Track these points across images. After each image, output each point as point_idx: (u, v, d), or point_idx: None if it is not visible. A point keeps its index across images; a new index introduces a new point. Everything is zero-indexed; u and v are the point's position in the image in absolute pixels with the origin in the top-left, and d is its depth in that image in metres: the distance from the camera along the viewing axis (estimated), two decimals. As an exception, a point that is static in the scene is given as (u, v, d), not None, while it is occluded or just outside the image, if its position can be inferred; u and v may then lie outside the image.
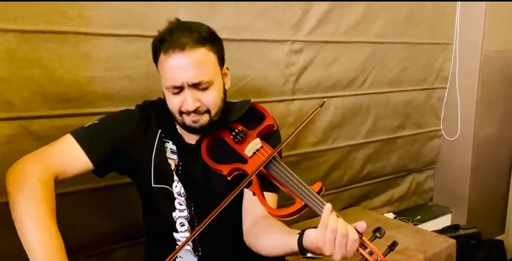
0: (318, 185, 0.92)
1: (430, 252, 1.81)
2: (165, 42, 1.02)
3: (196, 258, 1.18)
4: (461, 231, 2.39)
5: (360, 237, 0.86)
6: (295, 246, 0.92)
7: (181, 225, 1.16)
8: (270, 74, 1.79)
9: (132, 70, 1.42)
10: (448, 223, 2.62)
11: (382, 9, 2.12)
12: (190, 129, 1.08)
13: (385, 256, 0.85)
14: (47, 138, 1.27)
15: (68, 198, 1.35)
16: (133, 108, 1.19)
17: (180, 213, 1.15)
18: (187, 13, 1.51)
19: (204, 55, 1.02)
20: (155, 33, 1.42)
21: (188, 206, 1.14)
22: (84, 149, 1.04)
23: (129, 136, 1.10)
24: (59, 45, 1.27)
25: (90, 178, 1.37)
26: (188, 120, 1.06)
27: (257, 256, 1.18)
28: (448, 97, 2.58)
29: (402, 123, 2.42)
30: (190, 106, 1.02)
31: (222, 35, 1.13)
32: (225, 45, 1.13)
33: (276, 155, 1.00)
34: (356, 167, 2.26)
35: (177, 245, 1.17)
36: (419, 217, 2.48)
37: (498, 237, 2.72)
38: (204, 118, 1.06)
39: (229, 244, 1.18)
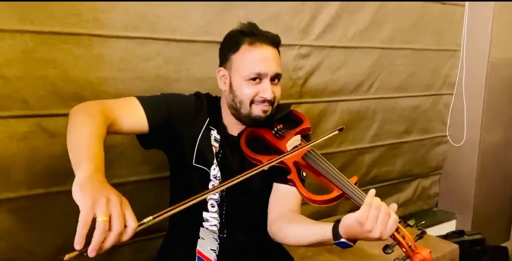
0: (354, 178, 1.01)
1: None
2: (251, 35, 1.14)
3: (217, 242, 1.23)
4: (466, 237, 2.39)
5: None
6: (328, 233, 0.96)
7: (212, 206, 1.22)
8: (278, 77, 1.82)
9: (143, 72, 1.46)
10: (453, 229, 2.62)
11: (389, 15, 2.15)
12: (254, 120, 1.16)
13: (415, 241, 0.92)
14: (61, 135, 1.31)
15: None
16: None
17: (213, 195, 1.21)
18: (198, 17, 1.55)
19: (279, 55, 1.19)
20: (167, 36, 1.48)
21: (221, 190, 1.20)
22: (146, 111, 1.12)
23: (183, 114, 1.19)
24: (73, 46, 1.32)
25: (110, 173, 1.43)
26: (257, 109, 1.15)
27: (274, 249, 1.29)
28: (454, 104, 2.60)
29: (408, 128, 2.44)
30: (269, 94, 1.13)
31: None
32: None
33: (314, 150, 1.09)
34: (362, 171, 2.28)
35: (204, 224, 1.23)
36: (423, 222, 2.48)
37: (503, 244, 2.72)
38: (270, 109, 1.17)
39: (252, 234, 1.25)
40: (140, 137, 1.18)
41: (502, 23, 2.45)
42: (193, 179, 1.22)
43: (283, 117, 1.24)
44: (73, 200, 1.11)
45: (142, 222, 0.78)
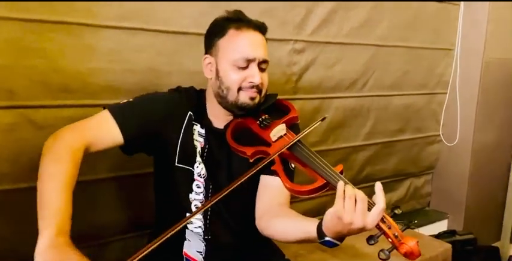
0: (340, 167, 0.95)
1: (426, 256, 1.82)
2: (237, 20, 1.12)
3: (203, 244, 1.20)
4: (458, 237, 2.39)
5: None
6: (312, 231, 0.93)
7: (196, 208, 1.19)
8: (272, 73, 1.77)
9: (134, 64, 1.42)
10: (445, 228, 2.62)
11: (385, 13, 2.13)
12: (240, 107, 1.13)
13: (402, 231, 0.85)
14: (48, 128, 1.28)
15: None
16: None
17: (196, 196, 1.18)
18: (191, 9, 1.52)
19: (266, 43, 1.16)
20: (159, 28, 1.44)
21: (206, 187, 1.17)
22: (119, 125, 1.08)
23: (160, 117, 1.15)
24: (63, 35, 1.28)
25: (97, 168, 1.39)
26: (244, 96, 1.11)
27: (263, 247, 1.25)
28: (448, 103, 2.59)
29: (402, 127, 2.43)
30: (257, 79, 1.10)
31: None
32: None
33: (300, 140, 1.05)
34: (355, 169, 2.26)
35: (189, 226, 1.20)
36: (416, 221, 2.48)
37: (494, 244, 2.73)
38: (258, 97, 1.13)
39: (239, 235, 1.21)
40: (121, 145, 1.13)
41: (497, 23, 2.45)
42: (177, 180, 1.19)
43: (269, 107, 1.20)
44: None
45: None
